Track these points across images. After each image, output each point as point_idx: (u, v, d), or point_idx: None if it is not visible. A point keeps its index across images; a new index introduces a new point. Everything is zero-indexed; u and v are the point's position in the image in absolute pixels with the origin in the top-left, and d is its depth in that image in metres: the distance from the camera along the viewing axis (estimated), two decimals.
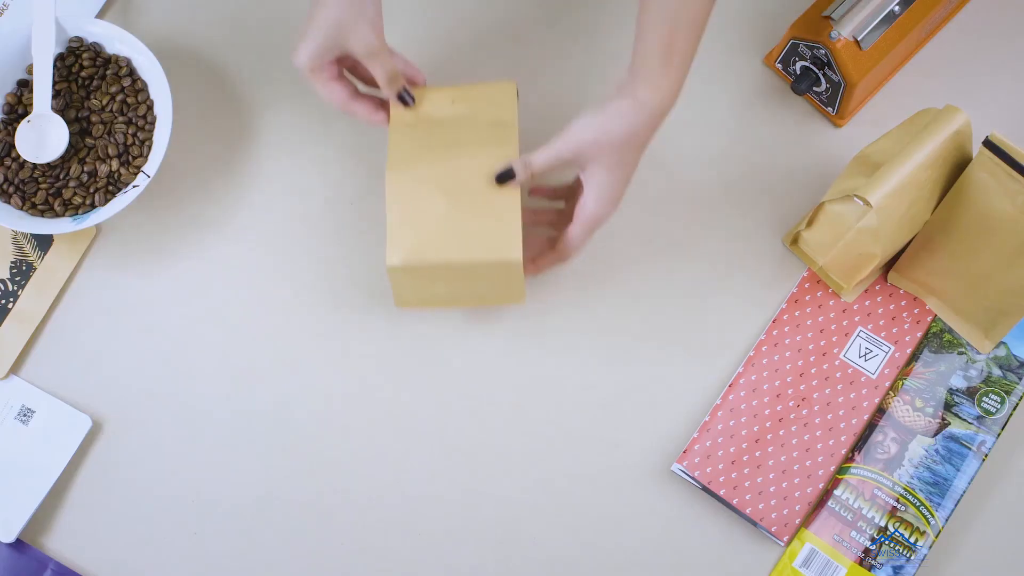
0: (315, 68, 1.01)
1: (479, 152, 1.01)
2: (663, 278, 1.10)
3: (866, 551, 1.03)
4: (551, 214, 1.09)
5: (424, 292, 1.02)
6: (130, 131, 1.10)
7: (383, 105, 1.05)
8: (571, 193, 1.06)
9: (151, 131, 1.10)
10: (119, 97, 1.11)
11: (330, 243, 1.11)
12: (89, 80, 1.12)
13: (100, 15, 1.17)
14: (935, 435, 1.05)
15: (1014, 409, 1.06)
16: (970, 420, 1.05)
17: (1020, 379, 1.06)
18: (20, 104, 1.12)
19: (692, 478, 1.04)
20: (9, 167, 1.10)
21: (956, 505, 1.04)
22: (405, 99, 1.04)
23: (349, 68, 1.05)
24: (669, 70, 0.95)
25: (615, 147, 0.97)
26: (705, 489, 1.04)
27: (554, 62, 1.16)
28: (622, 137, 0.96)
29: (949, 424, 1.05)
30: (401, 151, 1.02)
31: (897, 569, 1.02)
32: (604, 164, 0.97)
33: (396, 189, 1.00)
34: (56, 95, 1.11)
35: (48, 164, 1.10)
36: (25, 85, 1.12)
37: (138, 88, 1.11)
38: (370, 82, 1.05)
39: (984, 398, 1.06)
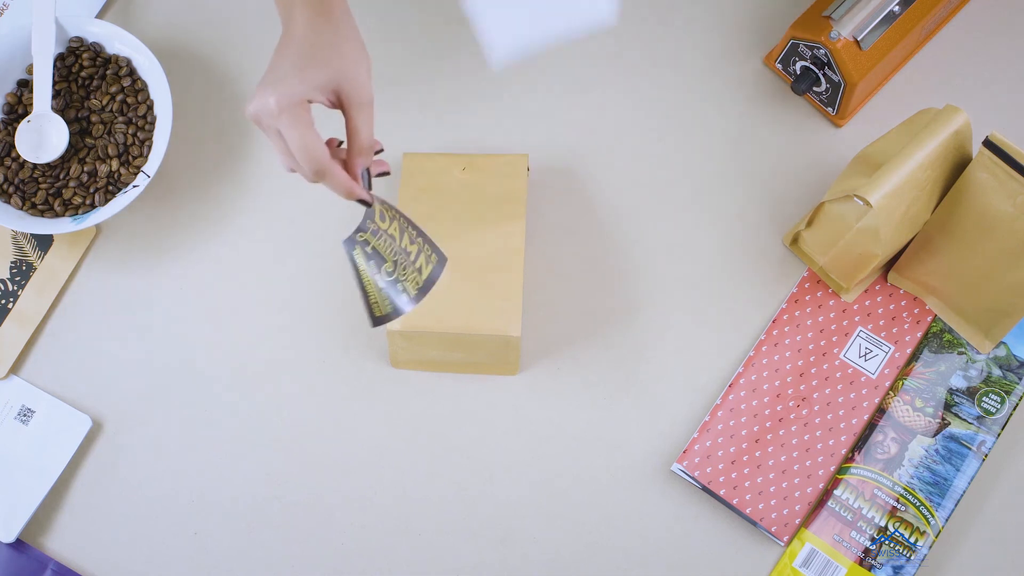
0: (299, 105, 0.83)
1: (486, 229, 1.03)
2: (663, 278, 1.10)
3: (866, 551, 1.03)
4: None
5: (420, 356, 1.05)
6: (130, 131, 1.10)
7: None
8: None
9: (151, 131, 1.10)
10: (119, 97, 1.11)
11: (330, 242, 1.11)
12: (89, 80, 1.12)
13: (100, 15, 1.17)
14: (935, 435, 1.05)
15: (1014, 409, 1.06)
16: (970, 420, 1.05)
17: (1020, 379, 1.06)
18: (20, 104, 1.12)
19: (692, 478, 1.04)
20: (9, 167, 1.10)
21: (956, 505, 1.04)
22: (366, 179, 0.89)
23: None
24: None
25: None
26: (705, 489, 1.04)
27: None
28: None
29: (949, 424, 1.05)
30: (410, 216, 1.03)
31: (897, 569, 1.02)
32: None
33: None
34: (56, 95, 1.11)
35: (48, 164, 1.10)
36: (25, 85, 1.12)
37: (138, 88, 1.11)
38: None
39: (984, 398, 1.06)
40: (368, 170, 0.89)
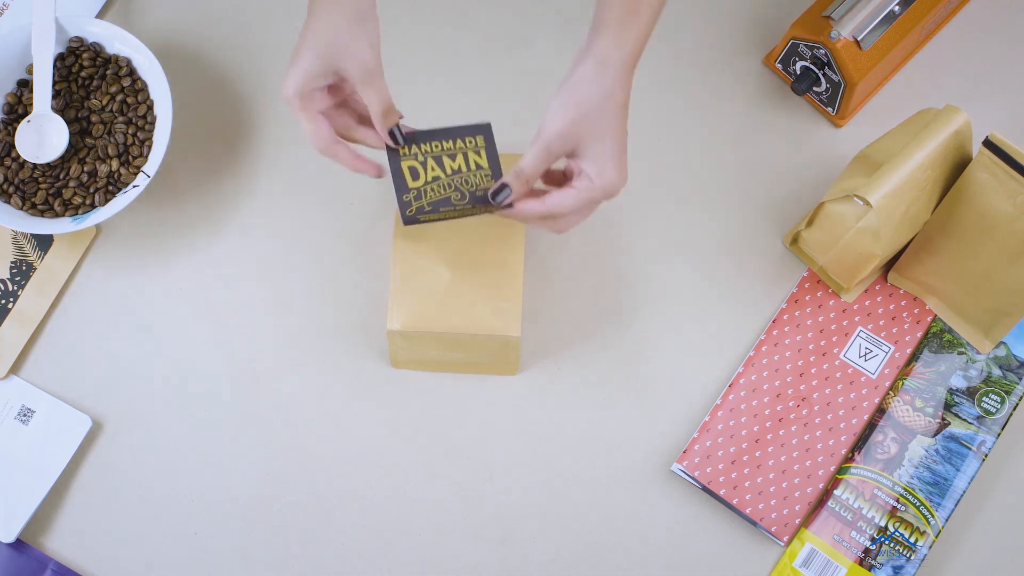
0: (305, 95, 0.91)
1: (486, 229, 1.03)
2: (663, 278, 1.10)
3: (866, 551, 1.03)
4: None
5: (420, 356, 1.05)
6: (130, 131, 1.10)
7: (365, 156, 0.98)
8: (562, 179, 0.97)
9: (151, 131, 1.10)
10: (119, 97, 1.11)
11: (330, 242, 1.11)
12: (89, 80, 1.12)
13: (100, 15, 1.17)
14: (935, 435, 1.05)
15: (1014, 409, 1.06)
16: (970, 420, 1.05)
17: (1020, 379, 1.06)
18: (20, 104, 1.12)
19: (692, 478, 1.04)
20: (9, 167, 1.10)
21: (956, 505, 1.04)
22: (396, 137, 0.94)
23: (339, 104, 0.96)
24: (634, 21, 0.87)
25: (596, 117, 0.89)
26: (705, 489, 1.04)
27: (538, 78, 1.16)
28: (597, 104, 0.88)
29: (949, 424, 1.05)
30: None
31: (897, 569, 1.02)
32: (595, 137, 0.89)
33: (402, 256, 1.02)
34: (56, 95, 1.11)
35: (48, 164, 1.10)
36: (25, 85, 1.12)
37: (138, 88, 1.11)
38: (364, 121, 0.97)
39: (984, 398, 1.06)
40: (399, 126, 0.94)
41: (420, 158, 0.96)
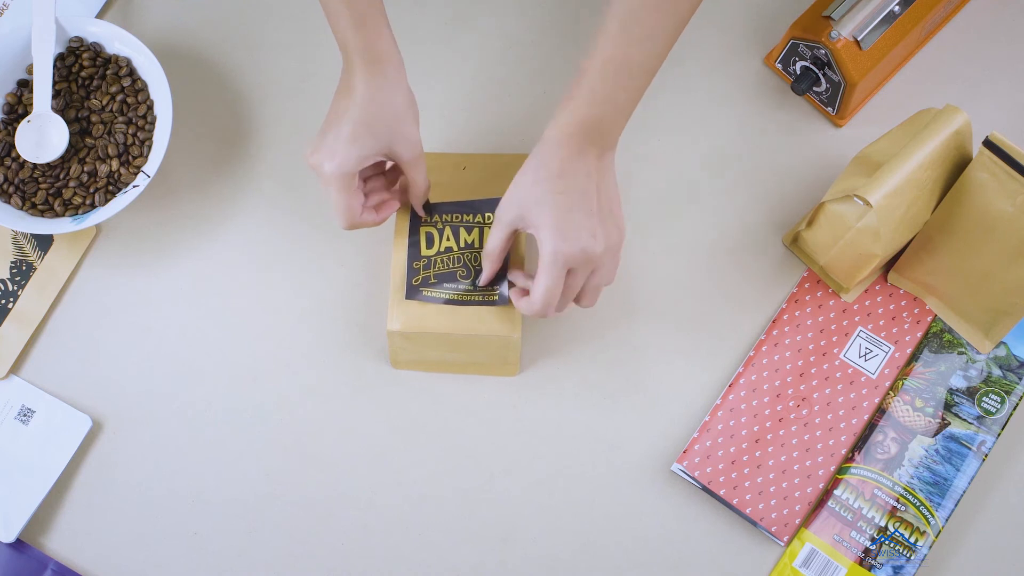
0: (350, 175, 0.93)
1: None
2: (663, 278, 1.10)
3: (866, 551, 1.03)
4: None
5: (421, 356, 1.05)
6: (130, 131, 1.10)
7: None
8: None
9: (151, 131, 1.10)
10: (119, 97, 1.11)
11: (330, 242, 1.11)
12: (89, 80, 1.12)
13: (100, 15, 1.17)
14: (935, 435, 1.05)
15: (1014, 409, 1.06)
16: (970, 420, 1.05)
17: (1020, 379, 1.06)
18: (20, 104, 1.12)
19: (692, 478, 1.04)
20: (9, 167, 1.10)
21: (956, 505, 1.04)
22: (430, 211, 1.01)
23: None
24: (568, 104, 0.91)
25: (529, 185, 0.92)
26: (705, 489, 1.04)
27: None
28: (530, 173, 0.92)
29: (949, 424, 1.05)
30: (408, 217, 1.04)
31: (897, 569, 1.02)
32: (532, 204, 0.92)
33: (401, 256, 1.01)
34: (56, 95, 1.11)
35: (48, 164, 1.10)
36: (25, 85, 1.12)
37: (138, 88, 1.11)
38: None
39: (984, 398, 1.06)
40: (427, 199, 1.01)
41: (439, 225, 1.01)
